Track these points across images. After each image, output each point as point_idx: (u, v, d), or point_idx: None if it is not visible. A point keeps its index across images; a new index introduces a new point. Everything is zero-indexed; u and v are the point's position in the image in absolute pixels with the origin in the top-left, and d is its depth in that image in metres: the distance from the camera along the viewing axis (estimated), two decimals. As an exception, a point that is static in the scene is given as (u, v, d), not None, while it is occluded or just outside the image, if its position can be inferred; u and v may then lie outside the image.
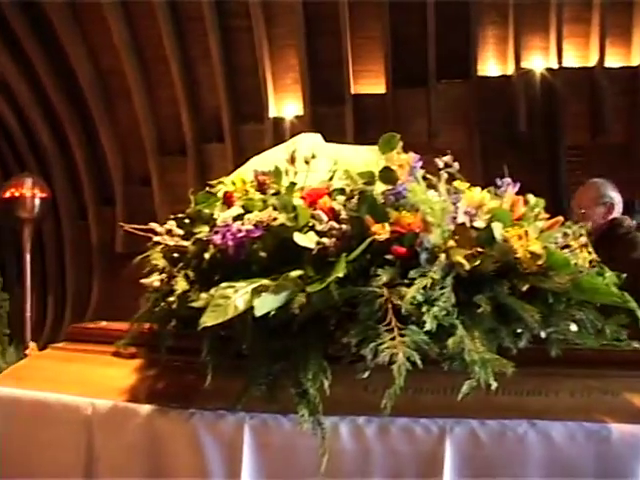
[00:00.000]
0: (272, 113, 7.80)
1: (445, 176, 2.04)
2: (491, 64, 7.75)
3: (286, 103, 7.85)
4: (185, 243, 2.00)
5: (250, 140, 7.79)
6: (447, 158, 2.09)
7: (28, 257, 7.86)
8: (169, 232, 2.01)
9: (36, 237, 8.02)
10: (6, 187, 7.78)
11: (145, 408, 1.97)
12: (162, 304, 2.00)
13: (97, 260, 8.53)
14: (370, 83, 7.78)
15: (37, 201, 7.69)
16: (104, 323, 2.45)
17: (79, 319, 8.48)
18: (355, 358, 1.75)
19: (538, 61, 7.62)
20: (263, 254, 1.87)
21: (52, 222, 8.47)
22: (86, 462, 2.04)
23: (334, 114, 7.58)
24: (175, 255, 2.01)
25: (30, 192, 7.65)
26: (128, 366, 2.13)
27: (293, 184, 1.85)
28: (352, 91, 7.72)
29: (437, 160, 2.07)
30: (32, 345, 2.58)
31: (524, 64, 7.60)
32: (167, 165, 8.09)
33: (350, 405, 1.87)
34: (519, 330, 1.83)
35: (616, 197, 4.03)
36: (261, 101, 7.73)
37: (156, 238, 2.03)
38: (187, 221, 2.00)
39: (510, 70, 7.66)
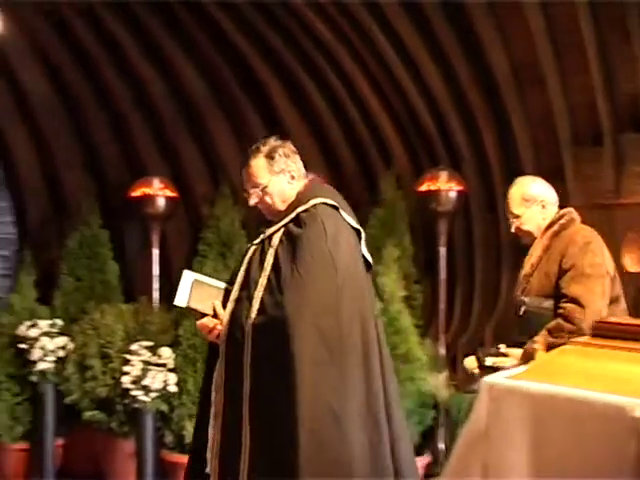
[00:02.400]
0: (695, 101, 7.33)
1: None
2: None
3: None
4: None
5: (670, 130, 7.37)
6: None
7: (442, 250, 7.97)
8: None
9: (449, 230, 8.09)
10: (422, 181, 7.94)
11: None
12: None
13: (506, 254, 8.45)
14: None
15: (453, 194, 7.78)
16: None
17: (487, 313, 8.49)
18: None
19: None
20: None
21: (462, 215, 8.50)
22: (634, 465, 1.92)
23: None
24: None
25: (446, 185, 7.75)
26: (670, 366, 1.99)
27: None
28: None
29: None
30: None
31: None
32: (581, 156, 7.82)
33: None
34: None
35: None
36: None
37: None
38: None
39: None
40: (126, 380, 7.18)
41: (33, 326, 8.01)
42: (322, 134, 9.16)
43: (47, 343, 7.88)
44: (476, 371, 5.06)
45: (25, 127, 9.79)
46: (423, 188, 7.87)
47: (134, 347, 7.22)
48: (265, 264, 4.19)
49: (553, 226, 5.09)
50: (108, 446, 7.62)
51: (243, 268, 4.32)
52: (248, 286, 4.21)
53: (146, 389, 7.06)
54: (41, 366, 7.86)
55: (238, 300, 4.23)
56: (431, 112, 8.33)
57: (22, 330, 8.02)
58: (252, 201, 4.38)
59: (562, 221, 5.09)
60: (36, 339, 7.92)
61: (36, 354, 7.86)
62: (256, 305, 4.11)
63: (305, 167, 8.71)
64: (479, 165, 8.31)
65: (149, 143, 9.86)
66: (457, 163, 8.32)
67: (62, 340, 7.95)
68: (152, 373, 7.07)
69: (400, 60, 8.07)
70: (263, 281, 4.15)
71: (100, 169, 9.94)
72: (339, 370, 4.07)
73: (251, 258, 4.31)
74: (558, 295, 4.82)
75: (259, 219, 4.66)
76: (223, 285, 4.40)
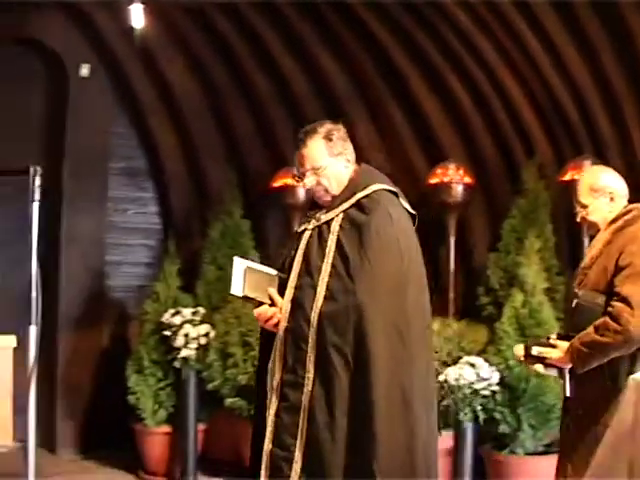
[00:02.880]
0: None
1: None
2: None
3: None
4: None
5: None
6: None
7: (585, 241, 7.78)
8: None
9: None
10: (565, 171, 7.79)
11: None
12: None
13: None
14: None
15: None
16: None
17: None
18: None
19: None
20: None
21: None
22: None
23: None
24: None
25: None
26: None
27: None
28: None
29: None
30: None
31: None
32: None
33: None
34: None
35: None
36: None
37: None
38: None
39: None
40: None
41: (177, 314, 8.20)
42: (464, 125, 9.04)
43: (190, 330, 8.06)
44: (522, 359, 4.98)
45: (169, 120, 10.01)
46: (566, 177, 7.69)
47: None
48: (327, 250, 4.13)
49: (618, 221, 4.85)
50: (249, 432, 7.70)
51: (300, 254, 4.26)
52: (309, 273, 4.16)
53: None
54: (184, 353, 8.04)
55: (298, 287, 4.18)
56: (574, 100, 8.12)
57: (166, 317, 8.22)
58: (309, 183, 4.32)
59: (628, 217, 4.84)
60: (180, 326, 8.11)
61: (179, 341, 8.05)
62: (322, 292, 4.07)
63: (447, 157, 8.71)
64: (624, 153, 8.07)
65: (290, 136, 9.94)
66: (601, 152, 8.10)
67: (204, 328, 8.11)
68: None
69: (542, 47, 7.90)
70: (327, 268, 4.09)
71: (241, 160, 10.08)
72: (408, 354, 4.07)
73: (307, 244, 4.26)
74: (612, 292, 4.60)
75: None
76: (275, 272, 4.35)
